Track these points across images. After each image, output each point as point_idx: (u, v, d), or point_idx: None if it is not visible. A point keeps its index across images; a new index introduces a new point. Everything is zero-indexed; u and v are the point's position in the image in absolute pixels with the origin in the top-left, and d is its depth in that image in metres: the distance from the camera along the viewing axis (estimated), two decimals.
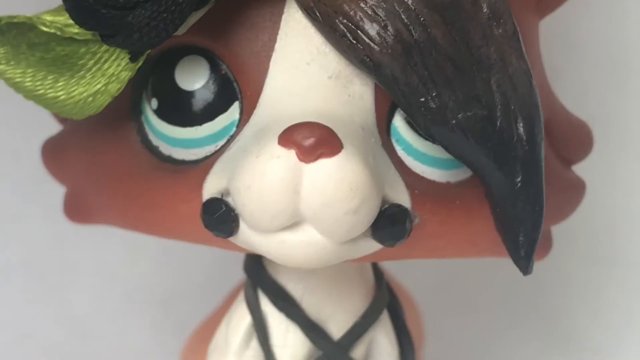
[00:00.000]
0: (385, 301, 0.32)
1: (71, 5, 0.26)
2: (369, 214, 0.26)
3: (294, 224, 0.26)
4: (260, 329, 0.31)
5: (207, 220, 0.27)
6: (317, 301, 0.31)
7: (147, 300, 0.50)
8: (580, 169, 0.33)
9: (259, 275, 0.31)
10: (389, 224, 0.27)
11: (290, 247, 0.26)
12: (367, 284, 0.32)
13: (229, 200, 0.27)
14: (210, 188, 0.27)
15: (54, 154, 0.32)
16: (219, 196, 0.27)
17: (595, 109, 0.47)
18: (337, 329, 0.31)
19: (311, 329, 0.31)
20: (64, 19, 0.27)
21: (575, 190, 0.32)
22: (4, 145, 0.49)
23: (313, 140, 0.25)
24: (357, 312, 0.31)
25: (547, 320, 0.50)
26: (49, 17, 0.27)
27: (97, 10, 0.25)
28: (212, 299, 0.37)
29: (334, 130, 0.25)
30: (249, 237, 0.27)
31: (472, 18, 0.26)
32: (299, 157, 0.25)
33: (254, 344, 0.31)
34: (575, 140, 0.32)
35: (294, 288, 0.31)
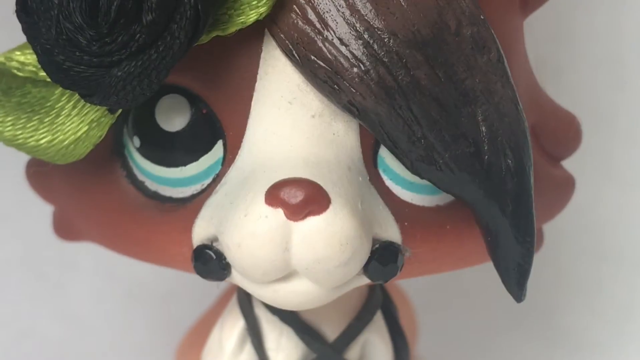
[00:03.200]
0: (379, 302, 0.32)
1: (44, 62, 0.25)
2: (360, 262, 0.26)
3: (286, 274, 0.26)
4: (254, 332, 0.31)
5: (198, 268, 0.27)
6: None
7: (147, 300, 0.50)
8: (579, 166, 0.33)
9: None
10: (381, 264, 0.27)
11: (283, 295, 0.26)
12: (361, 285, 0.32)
13: (219, 247, 0.27)
14: (200, 233, 0.27)
15: (39, 177, 0.31)
16: (208, 242, 0.27)
17: (594, 106, 0.47)
18: (331, 331, 0.31)
19: (305, 331, 0.31)
20: (33, 60, 0.26)
21: (565, 186, 0.32)
22: (4, 145, 0.49)
23: (301, 199, 0.25)
24: (351, 314, 0.31)
25: (547, 318, 0.50)
26: (21, 58, 0.26)
27: (71, 68, 0.24)
28: (211, 299, 0.37)
29: (321, 180, 0.25)
30: (241, 282, 0.27)
31: (455, 50, 0.25)
32: (287, 216, 0.25)
33: (248, 347, 0.31)
34: (563, 137, 0.32)
35: None
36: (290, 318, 0.31)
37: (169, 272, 0.51)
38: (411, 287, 0.39)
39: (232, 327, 0.32)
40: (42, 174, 0.31)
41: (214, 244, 0.27)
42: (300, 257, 0.25)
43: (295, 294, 0.26)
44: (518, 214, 0.27)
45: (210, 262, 0.27)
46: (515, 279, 0.28)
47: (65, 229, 0.32)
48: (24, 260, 0.50)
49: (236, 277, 0.27)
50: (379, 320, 0.32)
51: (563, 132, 0.32)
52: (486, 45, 0.26)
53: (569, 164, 0.33)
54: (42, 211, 0.50)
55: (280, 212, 0.25)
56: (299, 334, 0.31)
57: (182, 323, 0.45)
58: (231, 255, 0.26)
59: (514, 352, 0.49)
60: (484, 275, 0.49)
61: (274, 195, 0.25)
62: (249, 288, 0.27)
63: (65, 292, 0.50)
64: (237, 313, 0.32)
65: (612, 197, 0.49)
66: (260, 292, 0.27)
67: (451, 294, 0.50)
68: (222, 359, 0.32)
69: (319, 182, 0.25)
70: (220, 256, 0.27)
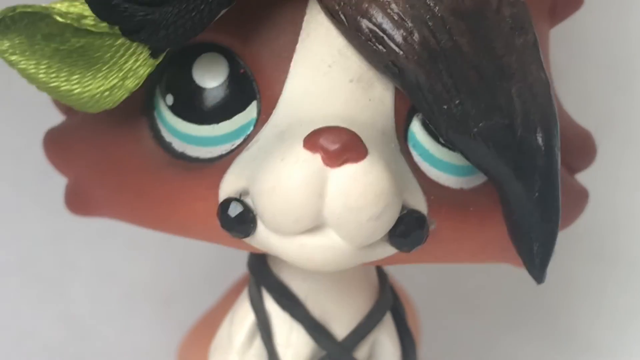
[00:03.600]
0: (389, 303, 0.32)
1: (92, 0, 0.25)
2: (391, 220, 0.26)
3: (314, 227, 0.26)
4: (264, 327, 0.31)
5: (224, 220, 0.27)
6: (322, 301, 0.31)
7: (147, 300, 0.50)
8: None
9: (263, 273, 0.31)
10: (408, 230, 0.27)
11: (309, 251, 0.26)
12: (371, 285, 0.32)
13: (248, 200, 0.27)
14: (227, 188, 0.27)
15: (57, 145, 0.32)
16: (236, 196, 0.27)
17: (598, 109, 0.47)
18: (341, 329, 0.31)
19: (315, 328, 0.31)
20: (81, 9, 0.26)
21: (579, 198, 0.32)
22: (4, 145, 0.49)
23: (339, 145, 0.25)
24: (361, 313, 0.31)
25: (549, 320, 0.50)
26: (64, 7, 0.26)
27: (118, 4, 0.25)
28: (212, 298, 0.37)
29: (358, 133, 0.25)
30: (266, 238, 0.27)
31: (495, 27, 0.26)
32: (325, 161, 0.25)
33: (257, 342, 0.31)
34: (579, 149, 0.32)
35: (298, 287, 0.31)
36: (300, 314, 0.31)
37: (169, 273, 0.51)
38: (413, 289, 0.39)
39: (241, 322, 0.32)
40: (61, 142, 0.31)
41: (242, 197, 0.27)
42: (333, 204, 0.25)
43: (322, 249, 0.26)
44: (545, 193, 0.27)
45: (237, 213, 0.27)
46: (539, 260, 0.28)
47: (78, 200, 0.32)
48: (24, 261, 0.50)
49: (261, 234, 0.27)
50: (388, 320, 0.32)
51: (579, 144, 0.32)
52: (524, 27, 0.26)
53: (581, 179, 0.33)
54: (42, 213, 0.50)
55: (318, 157, 0.25)
56: (308, 331, 0.31)
57: (182, 324, 0.45)
58: (263, 202, 0.26)
59: (516, 354, 0.49)
60: (486, 276, 0.49)
61: (312, 141, 0.25)
62: (273, 243, 0.27)
63: (65, 293, 0.50)
64: (248, 308, 0.32)
65: (616, 198, 0.49)
66: (287, 246, 0.26)
67: (453, 296, 0.50)
68: (230, 353, 0.32)
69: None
70: (247, 208, 0.27)
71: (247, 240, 0.27)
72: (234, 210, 0.27)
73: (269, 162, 0.26)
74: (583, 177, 0.33)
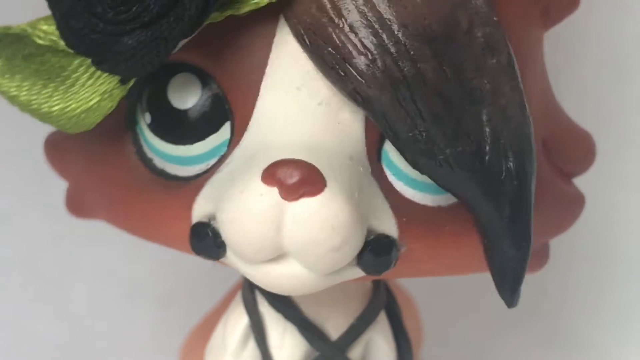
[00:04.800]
0: (383, 302, 0.32)
1: (62, 27, 0.26)
2: (352, 250, 0.26)
3: (278, 255, 0.26)
4: (257, 329, 0.31)
5: (194, 245, 0.27)
6: (315, 302, 0.31)
7: (147, 300, 0.50)
8: None
9: None
10: (374, 255, 0.27)
11: (275, 278, 0.26)
12: (364, 285, 0.32)
13: (217, 225, 0.27)
14: (199, 211, 0.27)
15: (55, 150, 0.32)
16: (206, 220, 0.27)
17: (595, 108, 0.47)
18: (334, 329, 0.31)
19: (308, 329, 0.31)
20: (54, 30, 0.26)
21: (574, 204, 0.32)
22: (4, 145, 0.49)
23: (296, 179, 0.25)
24: (354, 313, 0.31)
25: (547, 320, 0.50)
26: (44, 27, 0.27)
27: (86, 35, 0.25)
28: (212, 299, 0.37)
29: (320, 164, 0.25)
30: (235, 263, 0.27)
31: (464, 48, 0.26)
32: (282, 195, 0.25)
33: (251, 344, 0.31)
34: (576, 154, 0.32)
35: None
36: (293, 316, 0.31)
37: (169, 273, 0.51)
38: (412, 290, 0.39)
39: (235, 324, 0.32)
40: (59, 148, 0.32)
41: (212, 222, 0.27)
42: (291, 238, 0.25)
43: (286, 277, 0.26)
44: (515, 218, 0.26)
45: (205, 239, 0.27)
46: (509, 284, 0.28)
47: (77, 204, 0.32)
48: (24, 261, 0.50)
49: (231, 257, 0.27)
50: (382, 320, 0.32)
51: (576, 149, 0.32)
52: (497, 47, 0.26)
53: (578, 181, 0.33)
54: (43, 212, 0.50)
55: (275, 191, 0.25)
56: (302, 332, 0.31)
57: (182, 324, 0.45)
58: (225, 232, 0.26)
59: (515, 354, 0.49)
60: (484, 277, 0.49)
61: (270, 174, 0.25)
62: (242, 268, 0.27)
63: (65, 293, 0.50)
64: (241, 310, 0.32)
65: (612, 198, 0.49)
66: (253, 273, 0.27)
67: (451, 296, 0.50)
68: (224, 356, 0.32)
69: (316, 166, 0.25)
70: (216, 234, 0.27)
71: (221, 260, 0.28)
72: (202, 236, 0.27)
73: (231, 193, 0.26)
74: (581, 177, 0.33)
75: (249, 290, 0.31)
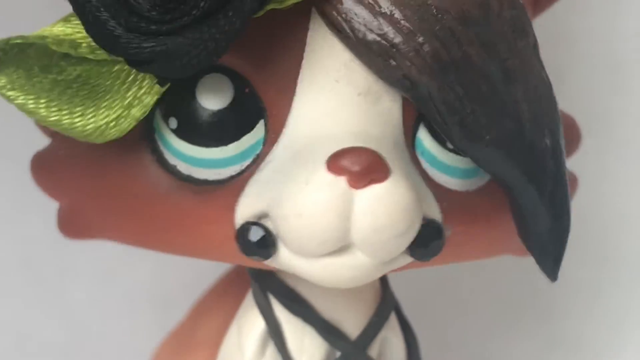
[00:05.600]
0: (394, 300, 0.32)
1: (93, 32, 0.24)
2: (413, 235, 0.26)
3: (340, 247, 0.26)
4: (276, 335, 0.31)
5: (245, 245, 0.27)
6: (330, 303, 0.31)
7: (147, 300, 0.50)
8: (577, 168, 0.33)
9: (267, 279, 0.31)
10: (427, 241, 0.27)
11: (335, 271, 0.26)
12: (374, 283, 0.32)
13: (267, 223, 0.27)
14: (245, 211, 0.27)
15: (46, 170, 0.31)
16: (255, 220, 0.27)
17: (592, 108, 0.47)
18: (352, 329, 0.31)
19: (328, 330, 0.31)
20: (74, 35, 0.25)
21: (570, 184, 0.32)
22: (4, 145, 0.49)
23: (363, 166, 0.25)
24: (368, 312, 0.31)
25: (544, 320, 0.50)
26: (58, 32, 0.25)
27: (120, 36, 0.24)
28: None
29: (377, 150, 0.25)
30: (288, 260, 0.27)
31: (498, 31, 0.26)
32: (350, 183, 0.25)
33: (270, 350, 0.31)
34: (565, 136, 0.31)
35: (307, 291, 0.31)
36: (312, 318, 0.31)
37: (169, 274, 0.51)
38: (411, 289, 0.38)
39: (251, 330, 0.31)
40: (50, 168, 0.31)
41: (261, 221, 0.27)
42: (360, 225, 0.25)
43: (347, 268, 0.26)
44: (555, 193, 0.27)
45: (259, 238, 0.27)
46: (552, 258, 0.28)
47: (74, 225, 0.31)
48: (24, 261, 0.50)
49: (283, 256, 0.27)
50: (393, 318, 0.32)
51: (564, 133, 0.32)
52: (524, 29, 0.27)
53: (568, 165, 0.33)
54: (42, 214, 0.50)
55: (342, 180, 0.25)
56: (321, 333, 0.31)
57: None
58: (289, 226, 0.26)
59: (512, 354, 0.49)
60: (482, 277, 0.49)
61: (336, 163, 0.25)
62: (296, 265, 0.27)
63: (65, 293, 0.50)
64: (256, 314, 0.31)
65: (611, 198, 0.49)
66: (310, 268, 0.26)
67: (451, 297, 0.50)
68: None
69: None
70: (268, 232, 0.27)
71: (266, 262, 0.27)
72: (255, 234, 0.27)
73: (292, 186, 0.26)
74: (581, 178, 0.33)
75: (261, 295, 0.31)
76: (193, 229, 0.28)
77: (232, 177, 0.27)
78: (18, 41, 0.25)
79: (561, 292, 0.50)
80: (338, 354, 0.31)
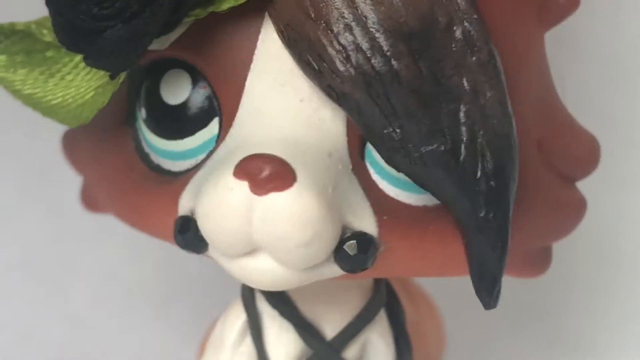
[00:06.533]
0: (382, 302, 0.32)
1: (56, 23, 0.26)
2: (323, 246, 0.26)
3: (253, 250, 0.26)
4: (254, 326, 0.31)
5: (177, 239, 0.28)
6: (312, 300, 0.31)
7: (147, 300, 0.50)
8: None
9: None
10: (349, 253, 0.27)
11: (250, 273, 0.27)
12: (364, 284, 0.32)
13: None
14: (183, 205, 0.28)
15: (69, 144, 0.33)
16: (189, 214, 0.27)
17: (598, 110, 0.47)
18: (331, 328, 0.31)
19: (304, 327, 0.31)
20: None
21: (575, 209, 0.31)
22: (4, 145, 0.49)
23: (265, 173, 0.25)
24: (353, 312, 0.31)
25: (549, 322, 0.50)
26: (48, 24, 0.27)
27: (71, 30, 0.26)
28: (212, 299, 0.37)
29: (293, 159, 0.25)
30: (216, 257, 0.27)
31: (443, 46, 0.25)
32: (251, 189, 0.25)
33: (248, 341, 0.32)
34: (579, 157, 0.31)
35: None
36: (289, 313, 0.31)
37: (169, 273, 0.51)
38: None
39: (234, 321, 0.32)
40: (73, 141, 0.33)
41: (194, 216, 0.27)
42: (261, 232, 0.25)
43: (261, 271, 0.26)
44: (491, 219, 0.26)
45: (187, 232, 0.27)
46: (486, 286, 0.28)
47: (90, 199, 0.33)
48: (24, 261, 0.50)
49: (212, 252, 0.27)
50: (381, 320, 0.32)
51: (578, 152, 0.31)
52: (477, 45, 0.26)
53: (580, 185, 0.32)
54: (42, 213, 0.50)
55: (245, 185, 0.25)
56: (297, 330, 0.31)
57: (182, 324, 0.45)
58: (201, 225, 0.26)
59: (514, 355, 0.49)
60: None
61: (241, 168, 0.25)
62: (222, 263, 0.27)
63: (65, 293, 0.50)
64: (240, 307, 0.32)
65: (612, 198, 0.49)
66: (230, 267, 0.27)
67: (451, 296, 0.50)
68: (222, 350, 0.32)
69: (289, 161, 0.25)
70: (197, 228, 0.27)
71: (206, 256, 0.28)
72: (184, 229, 0.27)
73: (206, 187, 0.26)
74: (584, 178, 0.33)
75: (248, 287, 0.32)
76: (155, 217, 0.29)
77: (187, 171, 0.28)
78: (8, 28, 0.28)
79: (560, 291, 0.50)
80: (312, 352, 0.31)
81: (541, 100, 0.30)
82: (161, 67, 0.29)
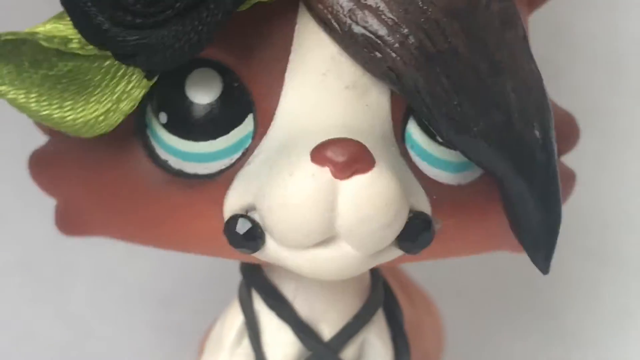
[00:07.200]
0: (380, 302, 0.32)
1: (82, 26, 0.25)
2: (400, 226, 0.26)
3: (326, 239, 0.26)
4: (251, 327, 0.31)
5: (232, 238, 0.27)
6: (310, 301, 0.31)
7: (146, 301, 0.50)
8: (575, 165, 0.33)
9: (253, 274, 0.31)
10: (415, 233, 0.27)
11: (322, 263, 0.26)
12: (362, 284, 0.32)
13: (255, 216, 0.27)
14: (232, 204, 0.27)
15: (44, 167, 0.31)
16: (242, 212, 0.27)
17: (590, 105, 0.47)
18: (329, 329, 0.31)
19: (301, 328, 0.31)
20: (65, 32, 0.26)
21: (567, 180, 0.32)
22: (4, 145, 0.49)
23: (347, 157, 0.25)
24: (351, 312, 0.31)
25: (544, 316, 0.50)
26: (49, 30, 0.26)
27: (109, 29, 0.25)
28: (212, 299, 0.37)
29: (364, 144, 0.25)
30: (276, 252, 0.27)
31: (486, 23, 0.26)
32: (334, 174, 0.25)
33: (246, 342, 0.31)
34: (564, 132, 0.32)
35: (287, 287, 0.31)
36: (287, 314, 0.31)
37: (169, 274, 0.51)
38: None
39: (232, 322, 0.32)
40: (47, 164, 0.31)
41: (249, 213, 0.27)
42: (345, 216, 0.25)
43: (334, 260, 0.26)
44: (546, 185, 0.27)
45: (245, 230, 0.27)
46: (543, 251, 0.28)
47: (71, 222, 0.32)
48: (23, 262, 0.50)
49: (270, 248, 0.27)
50: (380, 321, 0.32)
51: (562, 127, 0.31)
52: (512, 21, 0.26)
53: (566, 162, 0.33)
54: (42, 213, 0.50)
55: (326, 170, 0.25)
56: (295, 331, 0.31)
57: (181, 325, 0.45)
58: (274, 218, 0.26)
59: (511, 351, 0.49)
60: (481, 274, 0.49)
61: (320, 154, 0.25)
62: (284, 257, 0.27)
63: (65, 293, 0.50)
64: (237, 308, 0.32)
65: (610, 197, 0.49)
66: (298, 259, 0.27)
67: (450, 296, 0.50)
68: (220, 352, 0.32)
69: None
70: (255, 224, 0.27)
71: (255, 254, 0.27)
72: (242, 227, 0.27)
73: (277, 178, 0.26)
74: (579, 178, 0.33)
75: (245, 289, 0.31)
76: (183, 223, 0.28)
77: (221, 171, 0.28)
78: (9, 37, 0.26)
79: (560, 290, 0.50)
80: (310, 353, 0.31)
81: None
82: (185, 68, 0.27)
